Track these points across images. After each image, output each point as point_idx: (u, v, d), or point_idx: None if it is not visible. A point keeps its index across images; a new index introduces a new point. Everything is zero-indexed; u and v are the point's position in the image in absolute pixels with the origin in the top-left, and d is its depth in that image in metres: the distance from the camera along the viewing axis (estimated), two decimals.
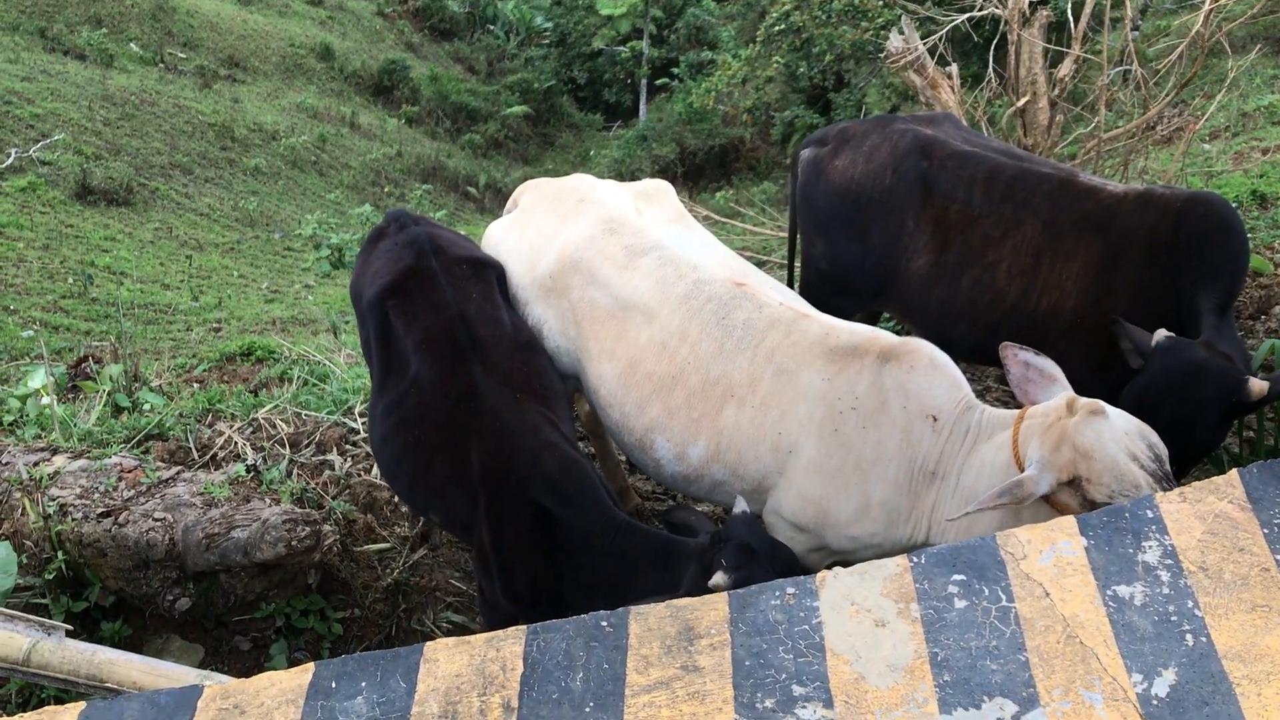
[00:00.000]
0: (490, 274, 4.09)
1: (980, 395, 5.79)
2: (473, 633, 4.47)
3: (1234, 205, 7.69)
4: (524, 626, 2.15)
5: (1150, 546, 2.32)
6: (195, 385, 7.15)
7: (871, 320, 5.37)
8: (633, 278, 3.85)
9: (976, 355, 4.66)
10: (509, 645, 2.12)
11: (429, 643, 2.11)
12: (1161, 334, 3.62)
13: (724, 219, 10.65)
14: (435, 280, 3.92)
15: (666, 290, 3.79)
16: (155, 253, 15.24)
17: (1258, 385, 3.40)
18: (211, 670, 4.25)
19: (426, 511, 4.10)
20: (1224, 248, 3.84)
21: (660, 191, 4.28)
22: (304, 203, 19.80)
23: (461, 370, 3.70)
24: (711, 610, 2.18)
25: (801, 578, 2.25)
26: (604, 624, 2.17)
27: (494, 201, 23.09)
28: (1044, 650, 2.12)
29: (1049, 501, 2.97)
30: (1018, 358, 3.36)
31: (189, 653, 4.34)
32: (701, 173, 23.33)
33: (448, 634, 4.52)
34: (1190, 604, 2.22)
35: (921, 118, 4.66)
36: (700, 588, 2.96)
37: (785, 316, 3.63)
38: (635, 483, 5.12)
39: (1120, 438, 2.88)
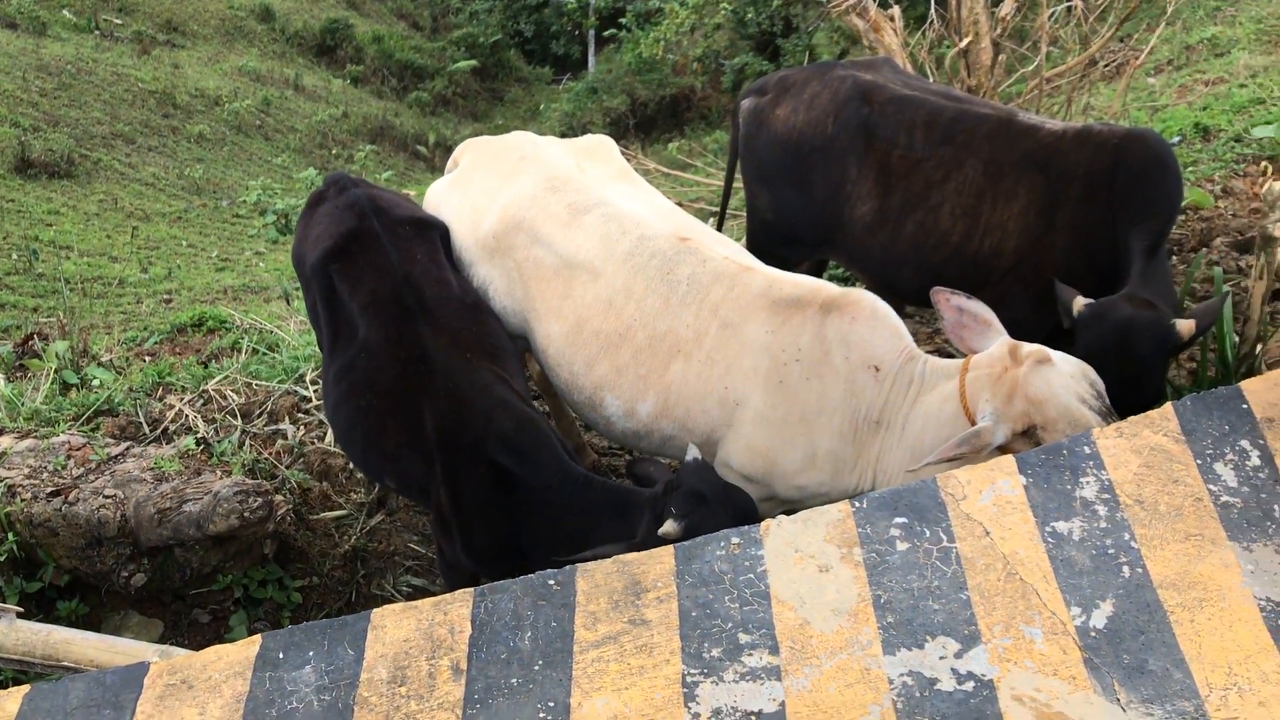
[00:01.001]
0: (434, 234, 4.05)
1: (931, 337, 5.85)
2: (434, 595, 4.49)
3: (1177, 139, 7.79)
4: (471, 589, 2.16)
5: (1088, 482, 2.36)
6: (146, 359, 7.07)
7: (818, 269, 5.39)
8: (577, 235, 3.83)
9: (923, 299, 4.67)
10: (456, 608, 2.13)
11: (376, 609, 2.12)
12: (1080, 303, 3.64)
13: (675, 171, 10.60)
14: (378, 242, 3.88)
15: (611, 247, 3.78)
16: (101, 225, 14.97)
17: (1185, 325, 3.45)
18: (171, 645, 4.25)
19: (382, 477, 4.09)
20: (1159, 184, 3.88)
21: (602, 147, 4.25)
22: (250, 168, 19.50)
23: (410, 332, 3.68)
24: (657, 564, 2.20)
25: (746, 527, 2.27)
26: (551, 582, 2.18)
27: (444, 160, 22.53)
28: (985, 588, 2.16)
29: (1004, 451, 3.02)
30: (950, 303, 3.39)
31: (148, 628, 4.33)
32: (654, 123, 23.15)
33: (408, 598, 4.52)
34: (1127, 536, 2.26)
35: (860, 63, 4.65)
36: (654, 537, 2.98)
37: (729, 270, 3.63)
38: (591, 439, 5.13)
39: (1068, 383, 2.93)
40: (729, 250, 3.79)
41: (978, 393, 3.09)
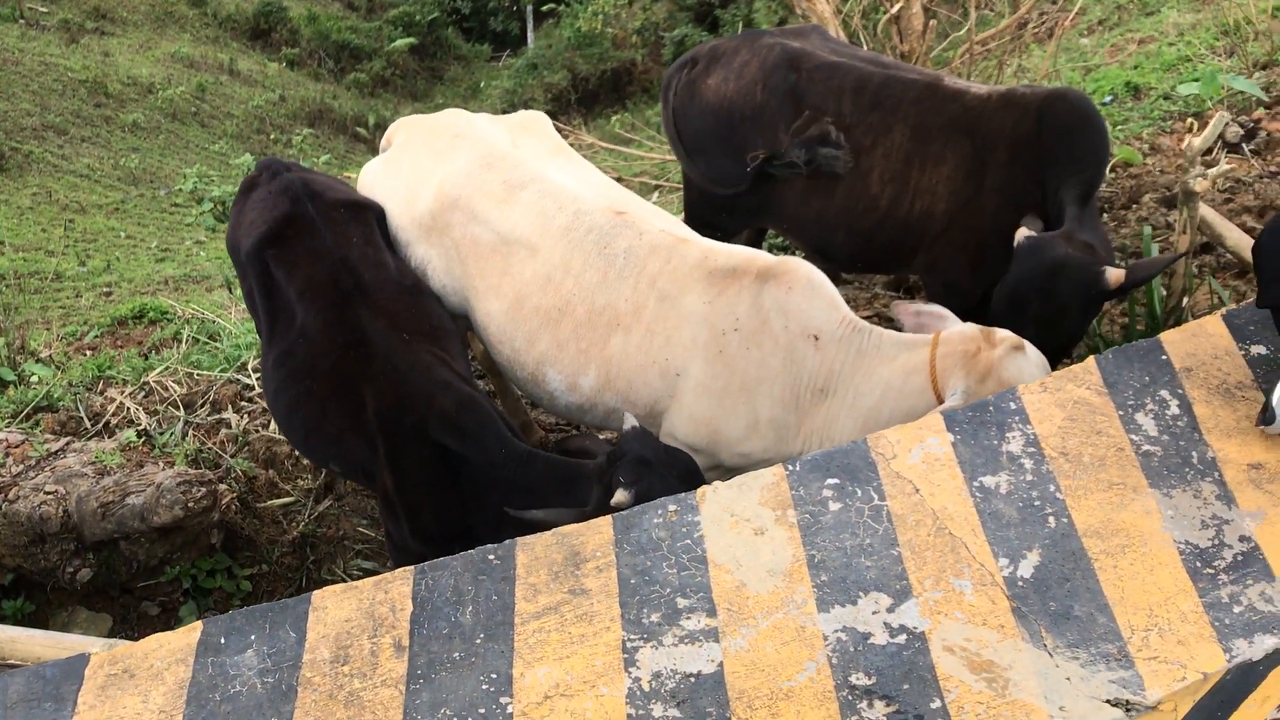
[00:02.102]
0: (369, 216, 4.04)
1: (870, 301, 5.92)
2: None
3: (1109, 99, 7.90)
4: (411, 567, 2.18)
5: (1014, 437, 2.42)
6: (87, 353, 6.99)
7: (758, 237, 5.43)
8: (513, 212, 3.84)
9: (856, 264, 4.74)
10: (397, 586, 2.15)
11: (316, 591, 2.13)
12: (1022, 234, 3.72)
13: (617, 146, 10.59)
14: (313, 226, 3.86)
15: (548, 223, 3.78)
16: (35, 219, 14.67)
17: (1114, 274, 3.52)
18: (120, 639, 4.23)
19: (325, 462, 4.08)
20: (1084, 140, 3.94)
21: (536, 123, 4.24)
22: (187, 156, 19.18)
23: (348, 316, 3.67)
24: (596, 534, 2.23)
25: (683, 494, 2.31)
26: (491, 557, 2.21)
27: None
28: (915, 544, 2.21)
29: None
30: (909, 310, 3.47)
31: (96, 623, 4.30)
32: (596, 98, 23.04)
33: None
34: (1052, 488, 2.32)
35: (789, 30, 4.67)
36: (606, 507, 3.00)
37: (665, 242, 3.65)
38: (538, 416, 5.15)
39: (1036, 372, 2.98)
40: (664, 223, 3.81)
41: (949, 369, 3.11)
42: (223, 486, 3.97)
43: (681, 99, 4.69)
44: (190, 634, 2.09)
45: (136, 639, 4.21)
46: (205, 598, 4.33)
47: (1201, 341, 2.64)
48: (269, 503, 4.72)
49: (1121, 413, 2.48)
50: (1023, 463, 2.37)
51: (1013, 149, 4.07)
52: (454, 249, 3.94)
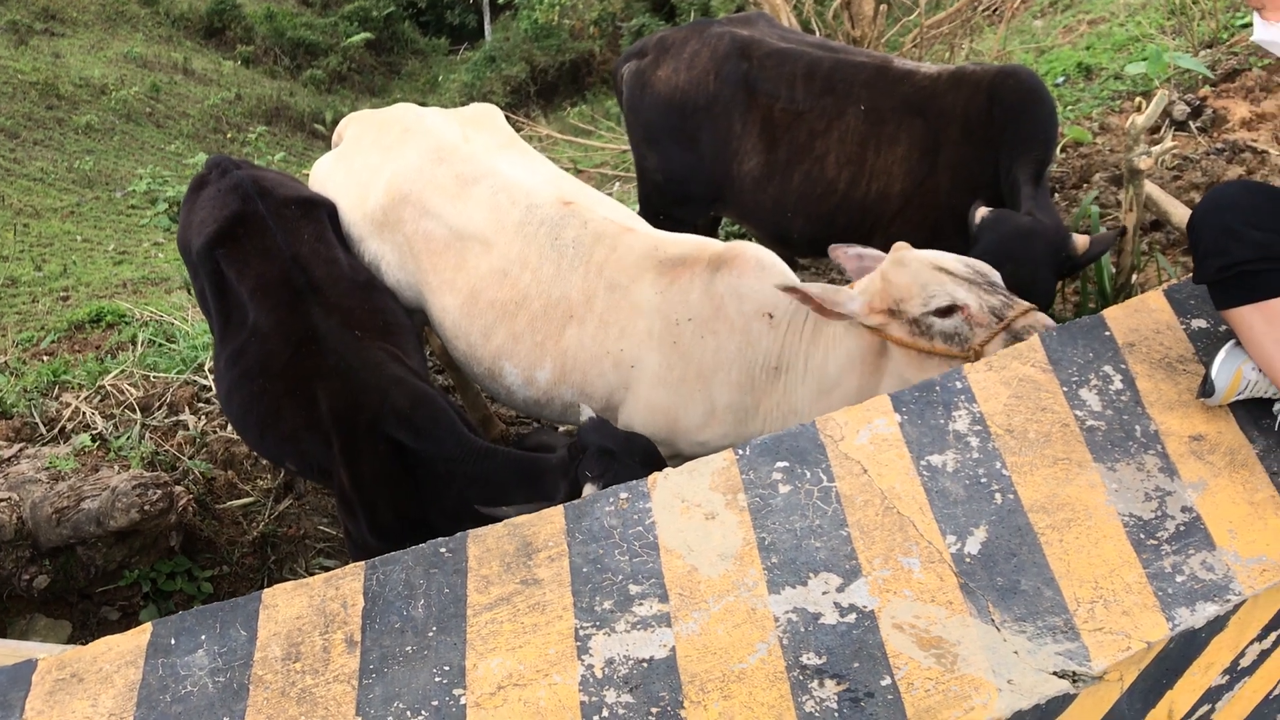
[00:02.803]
0: (321, 213, 4.02)
1: None
2: None
3: (1061, 79, 7.97)
4: (362, 562, 2.18)
5: (960, 415, 2.44)
6: (45, 359, 6.92)
7: (712, 226, 5.44)
8: (466, 207, 3.83)
9: (814, 248, 4.76)
10: (348, 582, 2.15)
11: (267, 589, 2.13)
12: (983, 210, 3.76)
13: (575, 139, 10.57)
14: (264, 224, 3.84)
15: (501, 217, 3.78)
16: None
17: (1080, 240, 3.59)
18: (79, 645, 4.19)
19: (281, 461, 4.06)
20: (1034, 117, 3.99)
21: (488, 116, 4.23)
22: (143, 157, 18.96)
23: (300, 314, 3.65)
24: (548, 524, 2.23)
25: (634, 481, 2.32)
26: (443, 550, 2.21)
27: None
28: (864, 524, 2.23)
29: (889, 340, 3.06)
30: (849, 254, 3.46)
31: (55, 630, 4.26)
32: (555, 89, 22.98)
33: None
34: (998, 465, 2.35)
35: (737, 19, 4.69)
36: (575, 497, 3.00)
37: (609, 230, 3.66)
38: (498, 410, 5.14)
39: (923, 258, 3.00)
40: (610, 211, 3.82)
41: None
42: (179, 488, 3.94)
43: (632, 91, 4.69)
44: (140, 636, 2.07)
45: None
46: (166, 601, 4.30)
47: (1144, 317, 2.68)
48: (228, 504, 4.69)
49: (1066, 389, 2.51)
50: (969, 441, 2.39)
51: (965, 127, 4.11)
52: (406, 245, 3.93)
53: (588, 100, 21.97)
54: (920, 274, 2.97)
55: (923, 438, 2.39)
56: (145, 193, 8.98)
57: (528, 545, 2.20)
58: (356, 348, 3.59)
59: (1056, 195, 6.00)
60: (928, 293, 2.93)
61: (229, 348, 3.79)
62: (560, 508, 2.25)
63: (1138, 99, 6.96)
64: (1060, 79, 8.37)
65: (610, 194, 9.23)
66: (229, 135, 21.09)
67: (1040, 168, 3.95)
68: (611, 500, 2.26)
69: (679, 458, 3.70)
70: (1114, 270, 4.46)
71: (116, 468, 4.18)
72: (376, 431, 3.46)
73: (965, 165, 4.15)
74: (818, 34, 6.96)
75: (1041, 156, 3.97)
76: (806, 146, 4.36)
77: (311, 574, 4.52)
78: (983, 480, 2.32)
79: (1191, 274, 2.60)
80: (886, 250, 4.40)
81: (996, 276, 3.05)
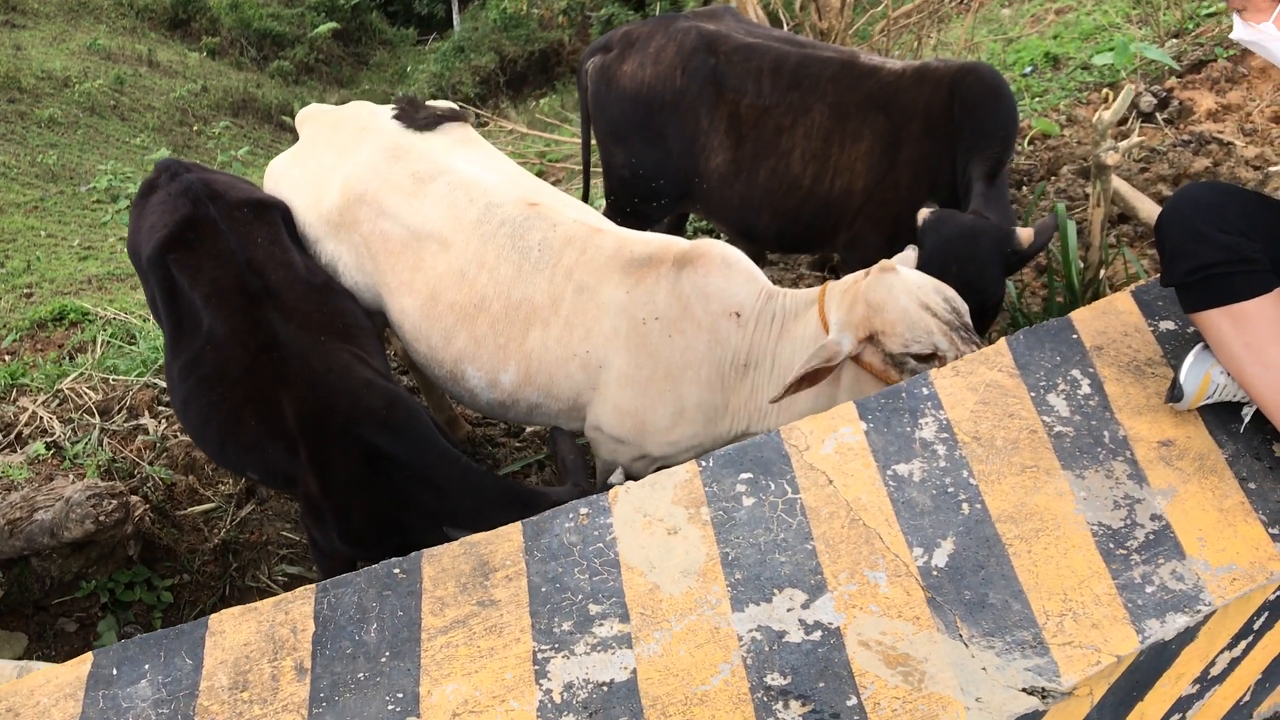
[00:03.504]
0: (275, 215, 3.92)
1: (794, 283, 5.90)
2: (311, 582, 4.40)
3: (1029, 69, 7.94)
4: (313, 585, 2.11)
5: (926, 423, 2.40)
6: (6, 358, 6.80)
7: (680, 221, 5.38)
8: (423, 205, 3.75)
9: (781, 244, 4.72)
10: (298, 606, 2.08)
11: (213, 615, 2.05)
12: (925, 211, 3.72)
13: (540, 133, 10.47)
14: (216, 228, 3.75)
15: (459, 216, 3.71)
16: None
17: (1025, 233, 3.55)
18: (37, 657, 4.10)
19: (243, 471, 3.97)
20: (993, 115, 3.95)
21: None
22: (108, 150, 18.68)
23: (258, 319, 3.57)
24: (506, 542, 2.17)
25: (595, 496, 2.26)
26: (396, 571, 2.14)
27: None
28: (829, 537, 2.18)
29: (859, 364, 3.03)
30: None
31: (11, 642, 4.16)
32: (524, 80, 22.82)
33: (285, 587, 4.43)
34: (965, 474, 2.30)
35: (702, 13, 4.62)
36: None
37: (580, 233, 3.60)
38: (463, 411, 5.07)
39: (911, 289, 2.95)
40: (578, 213, 3.75)
41: (831, 308, 3.11)
42: (135, 498, 3.84)
43: (597, 86, 4.62)
44: (79, 666, 2.00)
45: (53, 657, 4.11)
46: (125, 611, 4.21)
47: (1111, 319, 2.64)
48: (189, 510, 4.60)
49: (1034, 394, 2.47)
50: (935, 449, 2.34)
51: (926, 124, 4.07)
52: (363, 245, 3.85)
53: (557, 90, 21.85)
54: (908, 313, 2.91)
55: (889, 446, 2.34)
56: (106, 189, 8.80)
57: (484, 565, 2.14)
58: (319, 351, 3.51)
59: (1024, 188, 5.97)
60: (912, 335, 2.89)
61: (182, 356, 3.70)
62: (519, 524, 2.18)
63: (1104, 90, 6.95)
64: (1028, 69, 8.35)
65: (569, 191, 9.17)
66: (195, 128, 20.82)
67: (996, 165, 3.91)
68: (572, 516, 2.20)
69: (646, 458, 3.66)
70: (1081, 265, 4.43)
71: (71, 476, 4.08)
72: (349, 435, 3.38)
73: (925, 162, 4.12)
74: (785, 26, 6.91)
75: (998, 154, 3.93)
76: (773, 142, 4.31)
77: (275, 581, 4.46)
78: (950, 490, 2.27)
79: (1159, 274, 2.56)
80: (849, 248, 4.39)
81: (966, 311, 3.01)
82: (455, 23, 27.05)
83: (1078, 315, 2.64)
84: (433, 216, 3.73)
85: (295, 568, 4.48)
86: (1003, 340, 2.60)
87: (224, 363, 3.57)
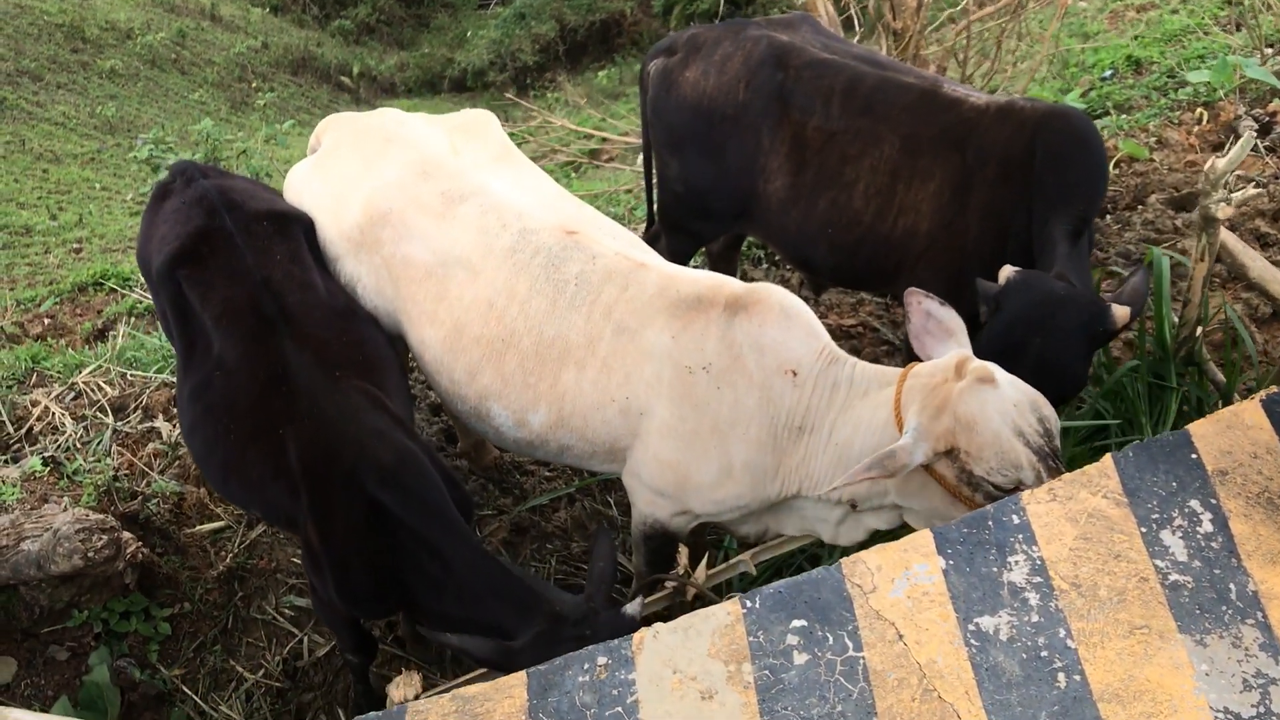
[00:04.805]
0: (296, 229, 3.60)
1: (855, 309, 5.50)
2: (317, 619, 4.12)
3: (1109, 73, 7.41)
4: None
5: (1016, 562, 2.01)
6: (46, 321, 6.63)
7: (735, 242, 5.00)
8: (452, 229, 3.41)
9: (838, 278, 4.35)
10: None
11: None
12: (1009, 270, 3.33)
13: (572, 133, 10.05)
14: (231, 242, 3.44)
15: (490, 242, 3.37)
16: (8, 168, 14.10)
17: (1120, 312, 3.17)
18: (25, 685, 3.85)
19: (246, 506, 3.69)
20: (1080, 167, 3.56)
21: (480, 124, 3.78)
22: (166, 104, 18.58)
23: (269, 347, 3.26)
24: (506, 699, 1.82)
25: (615, 642, 1.90)
26: None
27: (369, 92, 22.01)
28: (896, 713, 1.81)
29: (928, 470, 2.70)
30: (920, 306, 3.03)
31: (2, 667, 3.91)
32: (584, 50, 22.46)
33: (291, 621, 4.15)
34: (1062, 633, 1.92)
35: (776, 21, 4.21)
36: (535, 655, 2.66)
37: (621, 268, 3.24)
38: None
39: (1008, 409, 2.58)
40: (620, 244, 3.39)
41: (909, 402, 2.76)
42: (128, 535, 3.55)
43: (657, 90, 4.25)
44: None
45: (43, 685, 3.85)
46: (119, 642, 3.94)
47: (1238, 436, 2.23)
48: (197, 528, 4.32)
49: (1144, 529, 2.07)
50: (1027, 598, 1.96)
51: (1003, 168, 3.69)
52: (385, 268, 3.51)
53: (615, 63, 21.50)
54: (1000, 440, 2.58)
55: (971, 591, 1.96)
56: (147, 159, 8.54)
57: None
58: (330, 390, 3.19)
59: (1107, 217, 5.51)
60: (999, 464, 2.56)
61: (191, 380, 3.40)
62: (523, 677, 1.83)
63: (1199, 110, 6.44)
64: (1107, 72, 7.83)
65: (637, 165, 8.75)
66: (253, 85, 20.70)
67: (1081, 224, 3.52)
68: (587, 668, 1.85)
69: (687, 514, 3.33)
70: (1176, 320, 3.99)
71: (65, 500, 3.79)
72: (352, 486, 3.06)
73: (997, 209, 3.73)
74: (858, 26, 6.45)
75: (1084, 212, 3.54)
76: (836, 172, 3.92)
77: (281, 614, 4.17)
78: (1043, 654, 1.89)
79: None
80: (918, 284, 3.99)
81: (1057, 431, 2.64)
82: None
83: (1197, 430, 2.24)
84: (461, 241, 3.39)
85: (304, 600, 4.19)
86: (1108, 458, 2.20)
87: (233, 392, 3.28)
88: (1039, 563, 2.01)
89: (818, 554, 3.70)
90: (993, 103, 3.76)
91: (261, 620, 4.15)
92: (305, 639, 4.13)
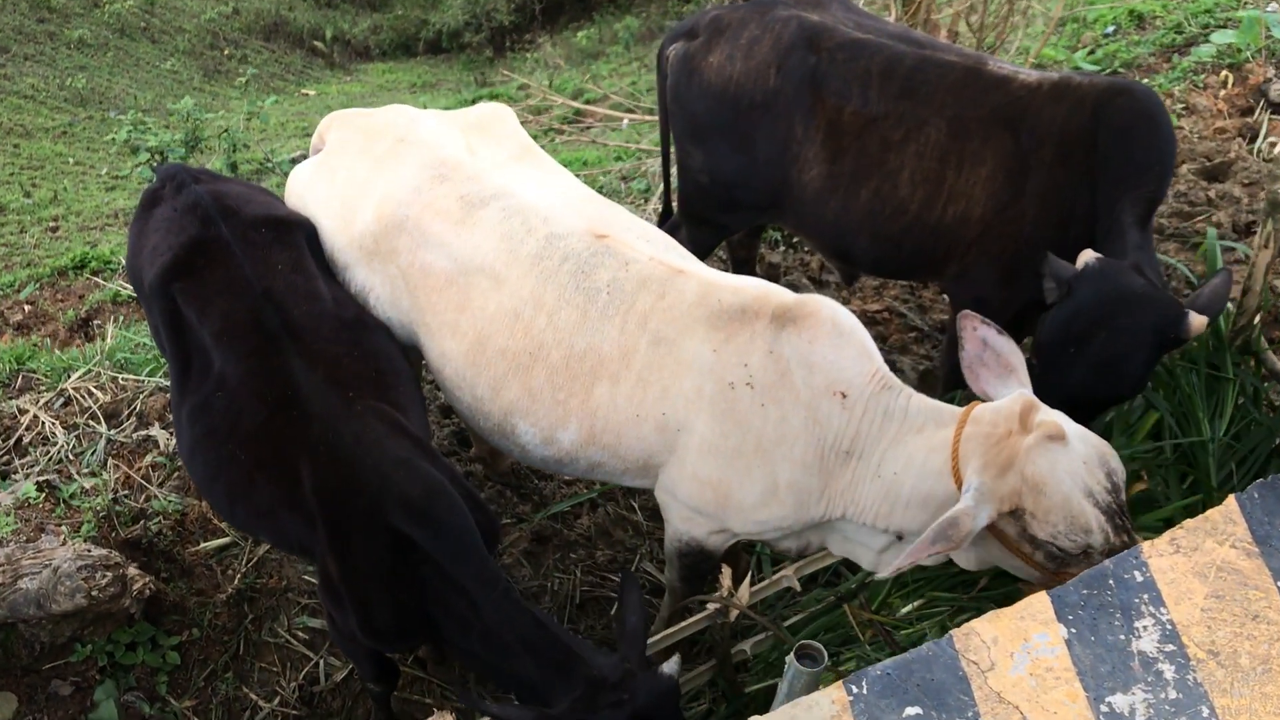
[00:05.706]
0: (298, 236, 3.34)
1: (879, 292, 5.27)
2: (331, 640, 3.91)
3: (1111, 29, 7.13)
4: None
5: (1145, 627, 1.81)
6: (26, 308, 6.35)
7: (757, 231, 4.76)
8: (473, 235, 3.16)
9: (879, 269, 4.12)
10: None
11: None
12: (1090, 255, 3.12)
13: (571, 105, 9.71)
14: (228, 252, 3.18)
15: (515, 248, 3.12)
16: None
17: (1198, 321, 2.96)
18: (27, 717, 3.63)
19: (255, 534, 3.45)
20: (1149, 146, 3.34)
21: (497, 121, 3.52)
22: (138, 75, 18.12)
23: (276, 365, 3.02)
24: None
25: None
26: None
27: (343, 56, 21.59)
28: None
29: (992, 531, 2.50)
30: (976, 333, 2.80)
31: (1, 704, 3.69)
32: (561, 9, 22.03)
33: (305, 644, 3.94)
34: (1205, 711, 1.72)
35: (805, 0, 3.93)
36: None
37: (657, 274, 3.01)
38: None
39: (1078, 469, 2.37)
40: (655, 247, 3.15)
41: (970, 453, 2.53)
42: (134, 570, 3.31)
43: (677, 77, 3.98)
44: None
45: None
46: (126, 674, 3.73)
47: None
48: (202, 545, 4.09)
49: None
50: (1161, 670, 1.76)
51: (1061, 148, 3.47)
52: (401, 278, 3.26)
53: (594, 22, 21.11)
54: (1069, 503, 2.38)
55: (1099, 665, 1.76)
56: (126, 141, 8.21)
57: None
58: (346, 415, 2.95)
59: None
60: (1067, 529, 2.37)
61: (190, 400, 3.15)
62: None
63: (1224, 74, 6.21)
64: (1109, 28, 7.58)
65: (620, 129, 8.44)
66: (225, 52, 20.24)
67: (1150, 207, 3.32)
68: None
69: (725, 532, 3.13)
70: (1232, 309, 3.79)
71: (64, 530, 3.55)
72: (375, 520, 2.83)
73: (1057, 193, 3.51)
74: None
75: (1153, 194, 3.33)
76: (878, 159, 3.68)
77: (294, 637, 3.96)
78: None
79: None
80: (958, 281, 3.77)
81: (1123, 484, 2.43)
82: None
83: None
84: (483, 248, 3.15)
85: (317, 621, 3.98)
86: (1231, 500, 1.99)
87: (237, 414, 3.03)
88: (1169, 628, 1.81)
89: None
90: (1045, 79, 3.53)
91: (274, 644, 3.93)
92: (321, 662, 3.92)
